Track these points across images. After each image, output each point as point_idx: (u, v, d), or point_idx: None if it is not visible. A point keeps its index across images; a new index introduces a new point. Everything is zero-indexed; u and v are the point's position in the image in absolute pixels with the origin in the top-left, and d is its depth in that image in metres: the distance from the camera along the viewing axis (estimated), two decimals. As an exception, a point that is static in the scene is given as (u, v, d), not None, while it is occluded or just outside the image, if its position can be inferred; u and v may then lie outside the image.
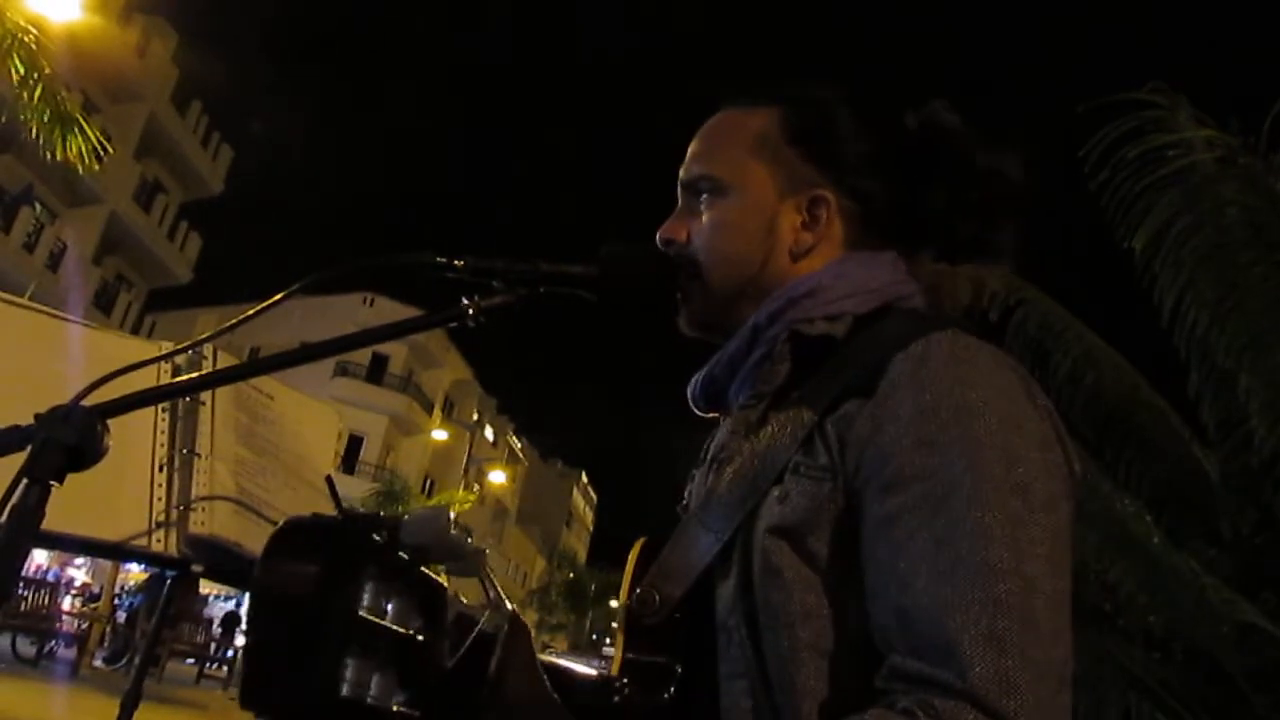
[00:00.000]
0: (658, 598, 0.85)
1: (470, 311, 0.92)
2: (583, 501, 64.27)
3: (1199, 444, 4.30)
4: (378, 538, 0.73)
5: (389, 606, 0.71)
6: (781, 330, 0.93)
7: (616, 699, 0.81)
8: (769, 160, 1.00)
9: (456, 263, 0.94)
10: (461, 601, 0.75)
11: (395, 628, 0.70)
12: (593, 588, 47.70)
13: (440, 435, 34.38)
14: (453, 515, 0.77)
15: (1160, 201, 4.00)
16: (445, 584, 0.75)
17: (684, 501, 1.07)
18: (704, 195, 1.02)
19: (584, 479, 63.24)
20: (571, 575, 48.07)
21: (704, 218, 1.01)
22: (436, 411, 37.79)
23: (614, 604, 48.69)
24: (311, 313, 23.49)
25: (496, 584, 0.83)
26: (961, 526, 0.74)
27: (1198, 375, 4.12)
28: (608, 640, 52.79)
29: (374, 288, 34.21)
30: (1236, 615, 3.31)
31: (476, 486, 37.55)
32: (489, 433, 43.96)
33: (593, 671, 0.87)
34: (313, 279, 0.96)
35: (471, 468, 35.96)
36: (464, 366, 41.06)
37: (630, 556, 0.92)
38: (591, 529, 67.13)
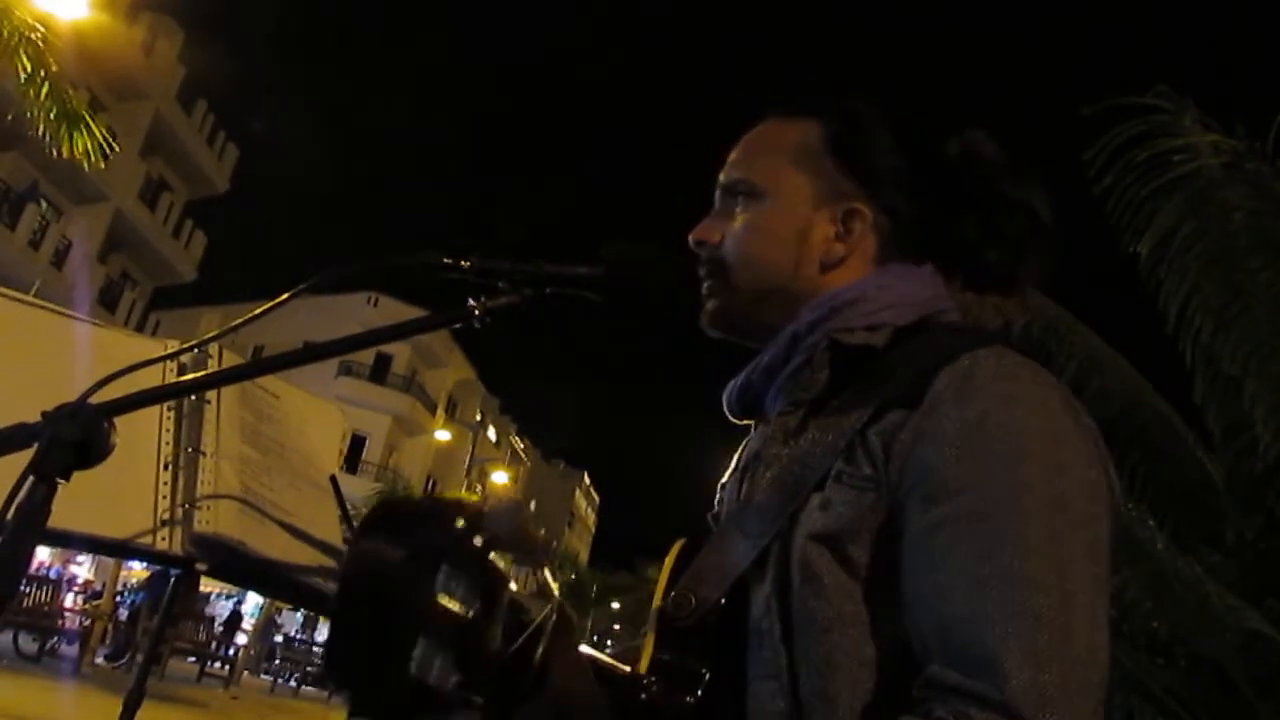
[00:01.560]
0: (693, 600, 0.85)
1: (476, 312, 0.93)
2: (585, 502, 64.27)
3: (1204, 449, 4.29)
4: (461, 524, 0.74)
5: (458, 591, 0.72)
6: (821, 339, 0.94)
7: (644, 696, 0.81)
8: (807, 169, 1.01)
9: (462, 263, 0.94)
10: (512, 589, 0.76)
11: (461, 612, 0.72)
12: (594, 589, 47.71)
13: (443, 435, 34.39)
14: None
15: (1166, 206, 3.99)
16: (506, 573, 0.75)
17: (715, 510, 1.08)
18: (740, 199, 1.03)
19: (586, 480, 63.24)
20: (574, 576, 48.06)
21: (738, 221, 1.02)
22: (439, 411, 37.81)
23: (616, 605, 48.79)
24: (316, 312, 23.50)
25: (548, 574, 0.84)
26: (1003, 540, 0.75)
27: (1203, 380, 4.11)
28: (609, 642, 52.80)
29: (378, 287, 34.26)
30: (1241, 621, 3.30)
31: (479, 487, 37.56)
32: (492, 433, 43.98)
33: (624, 666, 0.87)
34: (319, 279, 0.96)
35: (474, 468, 35.95)
36: (467, 367, 41.08)
37: (667, 559, 0.93)
38: (594, 530, 67.15)
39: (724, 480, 1.06)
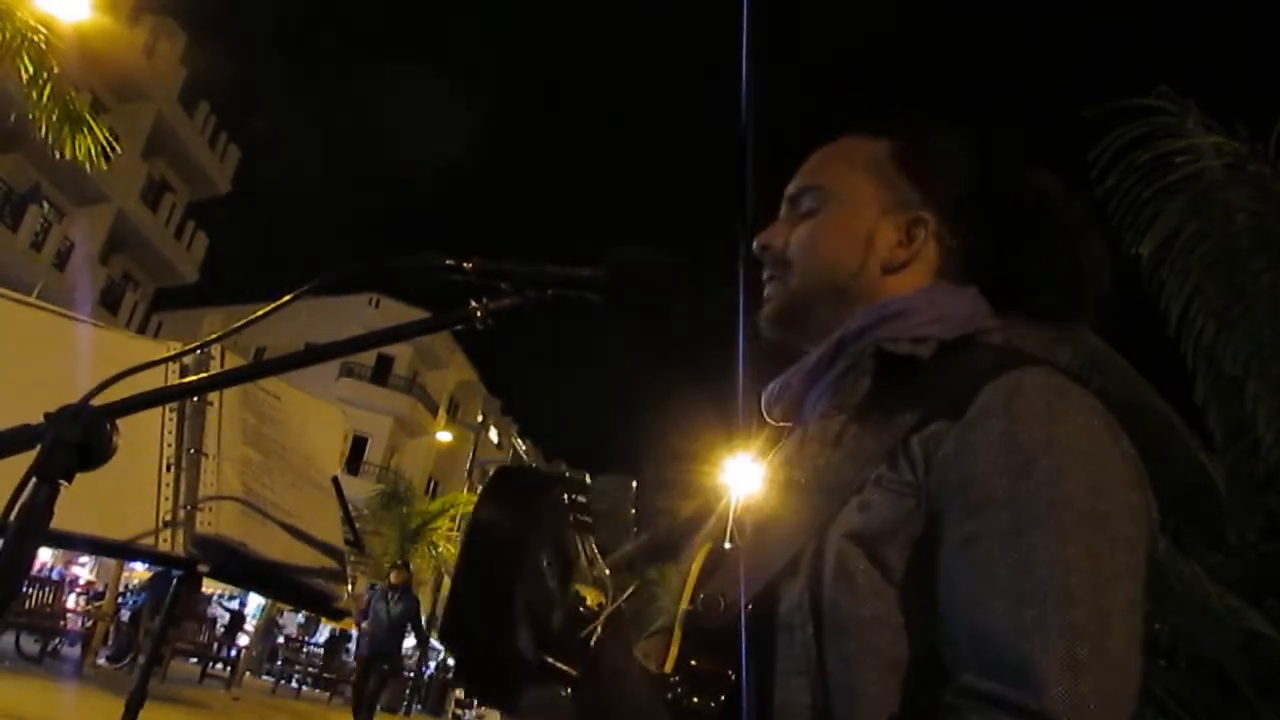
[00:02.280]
0: (723, 603, 0.86)
1: (478, 314, 0.92)
2: (586, 504, 64.20)
3: (1205, 451, 4.29)
4: (570, 499, 0.75)
5: (545, 563, 0.73)
6: (867, 346, 0.95)
7: (669, 695, 0.81)
8: (877, 178, 1.03)
9: (464, 264, 0.94)
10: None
11: (549, 586, 0.73)
12: (596, 590, 47.60)
13: (445, 437, 34.41)
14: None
15: (1168, 208, 4.00)
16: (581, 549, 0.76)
17: (740, 512, 1.08)
18: (806, 203, 1.05)
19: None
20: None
21: (805, 222, 1.04)
22: (441, 413, 37.83)
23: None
24: (317, 313, 23.54)
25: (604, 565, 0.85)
26: (1042, 554, 0.75)
27: (1204, 382, 4.11)
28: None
29: (380, 289, 34.31)
30: (1242, 622, 3.30)
31: (480, 488, 37.49)
32: (493, 434, 43.96)
33: (650, 665, 0.87)
34: (321, 280, 0.96)
35: (476, 469, 35.94)
36: (469, 368, 41.12)
37: (694, 562, 0.93)
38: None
39: (762, 477, 1.06)
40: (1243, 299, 3.93)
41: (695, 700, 0.82)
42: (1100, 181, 3.95)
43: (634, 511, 0.81)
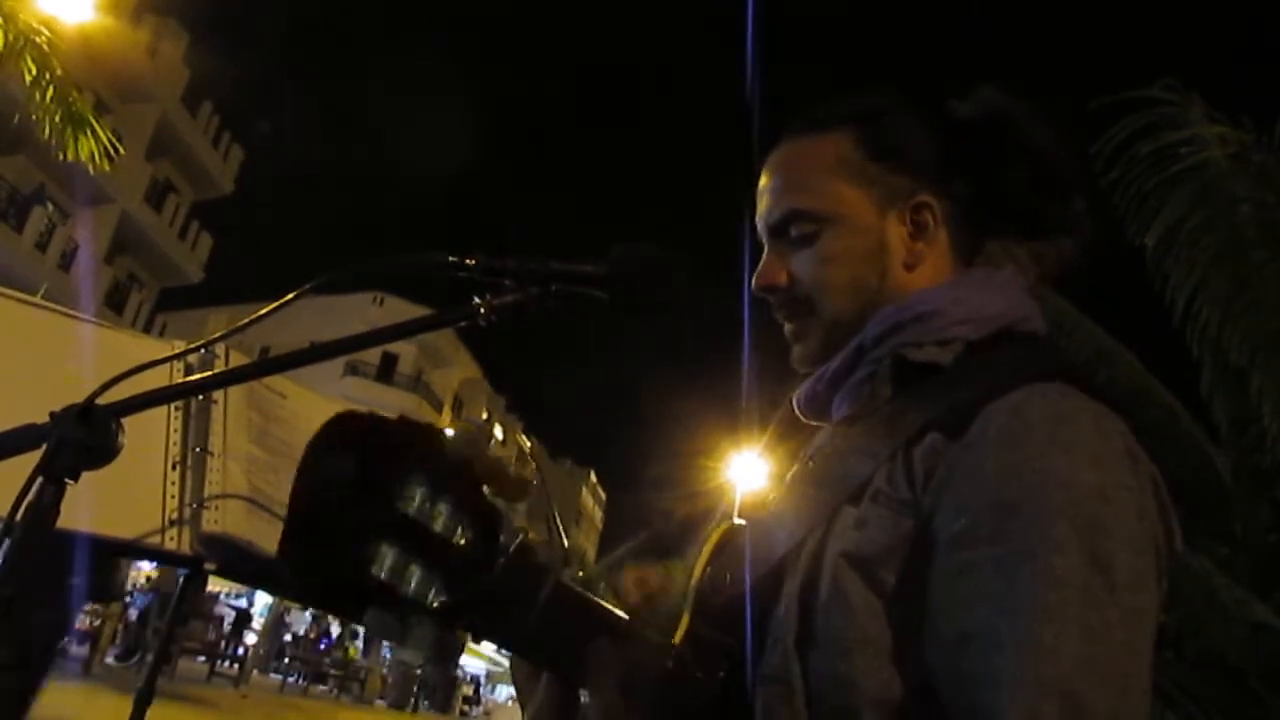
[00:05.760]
0: (728, 579, 0.86)
1: (482, 311, 0.92)
2: (591, 500, 64.30)
3: (1211, 443, 4.28)
4: (423, 443, 0.75)
5: (440, 511, 0.73)
6: (886, 353, 0.92)
7: (672, 664, 0.82)
8: (857, 180, 0.98)
9: (468, 262, 0.94)
10: (527, 534, 0.76)
11: (439, 530, 0.72)
12: (602, 586, 47.72)
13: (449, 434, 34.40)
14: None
15: (1172, 199, 3.99)
16: (500, 510, 0.76)
17: (752, 502, 1.08)
18: (797, 233, 0.99)
19: (593, 478, 63.27)
20: (581, 574, 48.14)
21: (807, 254, 0.99)
22: (446, 410, 37.85)
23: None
24: (321, 312, 23.51)
25: (559, 522, 0.85)
26: (1025, 601, 0.72)
27: (1210, 374, 4.10)
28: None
29: (384, 287, 34.31)
30: (1249, 614, 3.30)
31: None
32: (498, 431, 44.04)
33: (654, 632, 0.88)
34: (325, 278, 0.96)
35: (481, 466, 35.91)
36: (473, 365, 41.14)
37: (711, 538, 0.93)
38: (600, 528, 67.18)
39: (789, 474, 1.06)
40: (1248, 290, 3.92)
41: (700, 670, 0.82)
42: (1105, 173, 3.94)
43: (527, 468, 0.80)
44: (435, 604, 0.71)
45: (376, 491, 0.72)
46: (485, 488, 0.76)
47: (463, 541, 0.73)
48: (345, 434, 0.75)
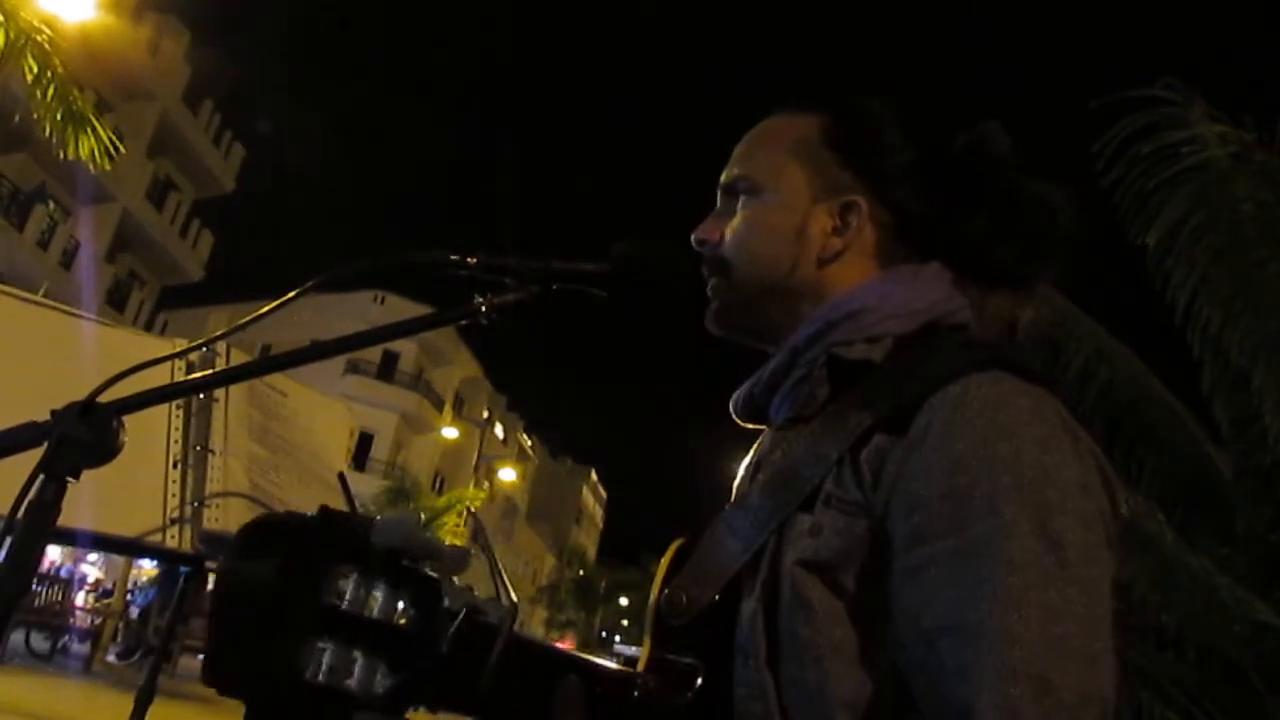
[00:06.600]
0: (684, 599, 0.85)
1: (483, 309, 0.93)
2: (592, 499, 64.35)
3: (1212, 442, 4.28)
4: (349, 536, 0.73)
5: (375, 597, 0.71)
6: (820, 353, 0.92)
7: (637, 694, 0.81)
8: (806, 163, 0.99)
9: (469, 260, 0.94)
10: (474, 595, 0.75)
11: (376, 617, 0.70)
12: (602, 585, 47.77)
13: (450, 433, 34.45)
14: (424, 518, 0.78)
15: (1173, 198, 3.98)
16: (439, 579, 0.75)
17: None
18: (740, 196, 1.02)
19: (594, 476, 63.31)
20: (581, 573, 48.13)
21: (738, 218, 1.01)
22: (447, 409, 37.88)
23: (624, 601, 48.80)
24: (322, 310, 23.53)
25: (506, 580, 0.84)
26: (985, 588, 0.72)
27: (1211, 373, 4.10)
28: (617, 637, 52.84)
29: (385, 285, 34.30)
30: (1250, 614, 3.30)
31: (486, 484, 37.62)
32: (499, 430, 44.03)
33: (614, 665, 0.87)
34: (325, 277, 0.96)
35: (481, 465, 35.98)
36: (474, 364, 41.15)
37: (666, 555, 0.92)
38: (601, 527, 67.21)
39: (737, 480, 1.05)
40: (1249, 289, 3.92)
41: (665, 695, 0.81)
42: (1106, 173, 3.94)
43: (474, 542, 0.79)
44: (380, 690, 0.69)
45: (301, 589, 0.70)
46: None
47: (403, 621, 0.71)
48: (261, 540, 0.74)
